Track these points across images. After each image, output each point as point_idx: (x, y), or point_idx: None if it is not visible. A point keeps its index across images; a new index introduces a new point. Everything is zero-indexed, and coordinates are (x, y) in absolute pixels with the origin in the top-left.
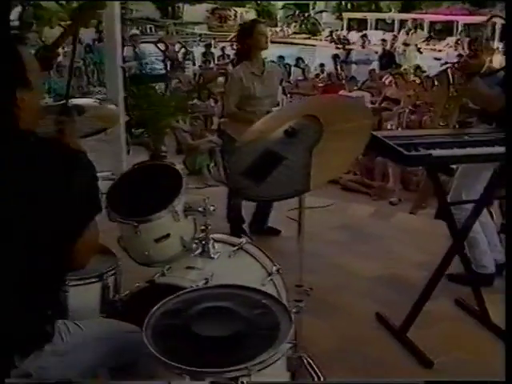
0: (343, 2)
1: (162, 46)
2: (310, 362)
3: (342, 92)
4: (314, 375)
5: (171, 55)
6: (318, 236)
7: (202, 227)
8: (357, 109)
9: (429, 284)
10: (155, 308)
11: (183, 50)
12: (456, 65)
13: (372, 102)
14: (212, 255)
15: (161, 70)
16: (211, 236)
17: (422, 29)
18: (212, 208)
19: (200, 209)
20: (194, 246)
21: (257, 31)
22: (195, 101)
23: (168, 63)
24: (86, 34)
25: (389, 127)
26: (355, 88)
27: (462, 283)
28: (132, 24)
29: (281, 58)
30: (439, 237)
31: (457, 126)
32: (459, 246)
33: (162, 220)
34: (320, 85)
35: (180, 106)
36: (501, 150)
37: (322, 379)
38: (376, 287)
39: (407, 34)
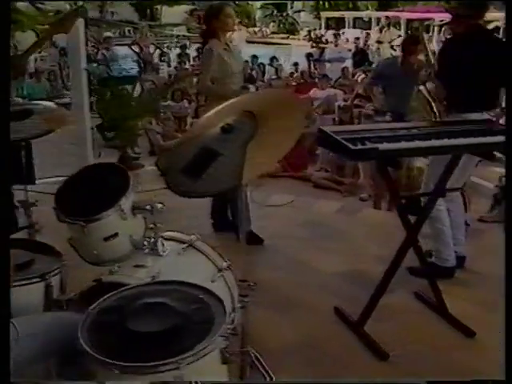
0: (320, 1)
1: (136, 48)
2: (258, 356)
3: (314, 90)
4: (262, 370)
5: (145, 57)
6: (283, 233)
7: (151, 225)
8: (291, 104)
9: (384, 277)
10: (93, 306)
11: (158, 51)
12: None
13: (345, 100)
14: (161, 253)
15: (131, 71)
16: (162, 234)
17: (400, 27)
18: (160, 206)
19: (148, 207)
20: (146, 244)
21: (224, 13)
22: (169, 102)
23: (142, 65)
24: (61, 38)
25: None
26: (328, 86)
27: (423, 276)
28: (109, 27)
29: (254, 57)
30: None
31: None
32: (413, 238)
33: (109, 219)
34: (293, 83)
35: (147, 107)
36: (449, 142)
37: (270, 374)
38: (338, 283)
39: (380, 31)
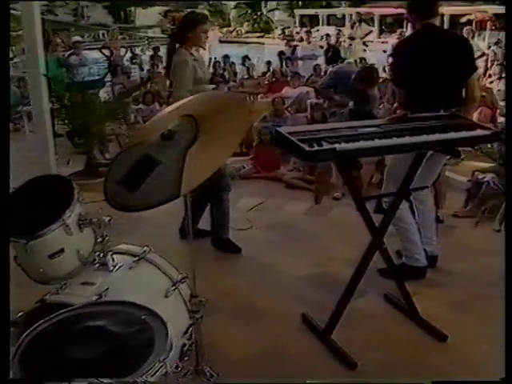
0: None
1: (107, 52)
2: (214, 374)
3: (286, 88)
4: None
5: (116, 60)
6: (250, 236)
7: (99, 239)
8: (233, 105)
9: (351, 281)
10: (27, 332)
11: (130, 54)
12: None
13: (317, 97)
14: (111, 268)
15: (97, 76)
16: (113, 247)
17: (373, 22)
18: (107, 219)
19: (95, 220)
20: (95, 259)
21: (201, 27)
22: (140, 105)
23: (112, 68)
24: None
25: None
26: (301, 84)
27: (394, 278)
28: (79, 30)
29: (226, 57)
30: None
31: None
32: (378, 241)
33: (52, 235)
34: (265, 82)
35: (112, 112)
36: (411, 140)
37: None
38: (305, 287)
39: (352, 27)
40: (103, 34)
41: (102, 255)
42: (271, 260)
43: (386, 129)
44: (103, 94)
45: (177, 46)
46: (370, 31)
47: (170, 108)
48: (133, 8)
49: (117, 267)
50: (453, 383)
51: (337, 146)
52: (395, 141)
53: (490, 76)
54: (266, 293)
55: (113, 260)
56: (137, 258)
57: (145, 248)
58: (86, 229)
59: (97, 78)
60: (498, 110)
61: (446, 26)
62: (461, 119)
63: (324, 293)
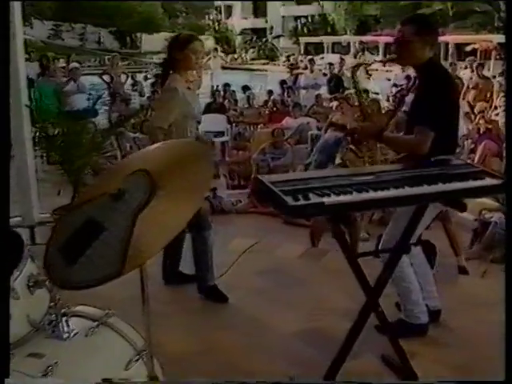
0: (299, 27)
1: (108, 78)
2: None
3: (286, 119)
4: None
5: (116, 87)
6: (238, 284)
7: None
8: (195, 156)
9: (344, 345)
10: None
11: (131, 81)
12: None
13: (318, 128)
14: (64, 336)
15: (89, 105)
16: (71, 309)
17: (378, 50)
18: None
19: (47, 282)
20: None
21: (189, 47)
22: (137, 134)
23: (112, 95)
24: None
25: None
26: (302, 114)
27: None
28: (88, 55)
29: (227, 85)
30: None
31: None
32: (373, 303)
33: None
34: (266, 112)
35: (99, 144)
36: (410, 191)
37: None
38: (296, 344)
39: (355, 56)
40: (108, 59)
41: (53, 320)
42: (260, 311)
43: (383, 178)
44: (101, 121)
45: (170, 72)
46: (375, 60)
47: (127, 159)
48: (139, 33)
49: (71, 334)
50: (453, 383)
51: (325, 199)
52: (392, 192)
53: (495, 108)
54: (251, 351)
55: (68, 326)
56: (96, 323)
57: (106, 311)
58: (37, 291)
59: (87, 106)
60: (504, 144)
61: (452, 55)
62: (467, 165)
63: (316, 352)
